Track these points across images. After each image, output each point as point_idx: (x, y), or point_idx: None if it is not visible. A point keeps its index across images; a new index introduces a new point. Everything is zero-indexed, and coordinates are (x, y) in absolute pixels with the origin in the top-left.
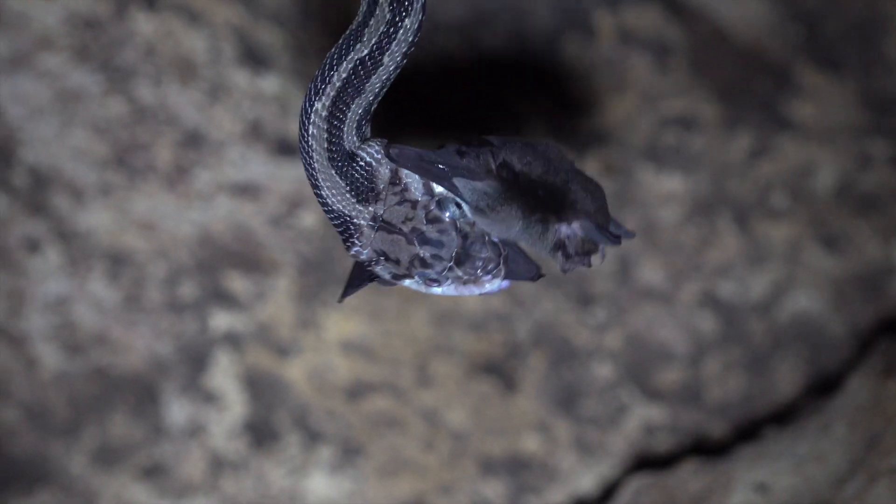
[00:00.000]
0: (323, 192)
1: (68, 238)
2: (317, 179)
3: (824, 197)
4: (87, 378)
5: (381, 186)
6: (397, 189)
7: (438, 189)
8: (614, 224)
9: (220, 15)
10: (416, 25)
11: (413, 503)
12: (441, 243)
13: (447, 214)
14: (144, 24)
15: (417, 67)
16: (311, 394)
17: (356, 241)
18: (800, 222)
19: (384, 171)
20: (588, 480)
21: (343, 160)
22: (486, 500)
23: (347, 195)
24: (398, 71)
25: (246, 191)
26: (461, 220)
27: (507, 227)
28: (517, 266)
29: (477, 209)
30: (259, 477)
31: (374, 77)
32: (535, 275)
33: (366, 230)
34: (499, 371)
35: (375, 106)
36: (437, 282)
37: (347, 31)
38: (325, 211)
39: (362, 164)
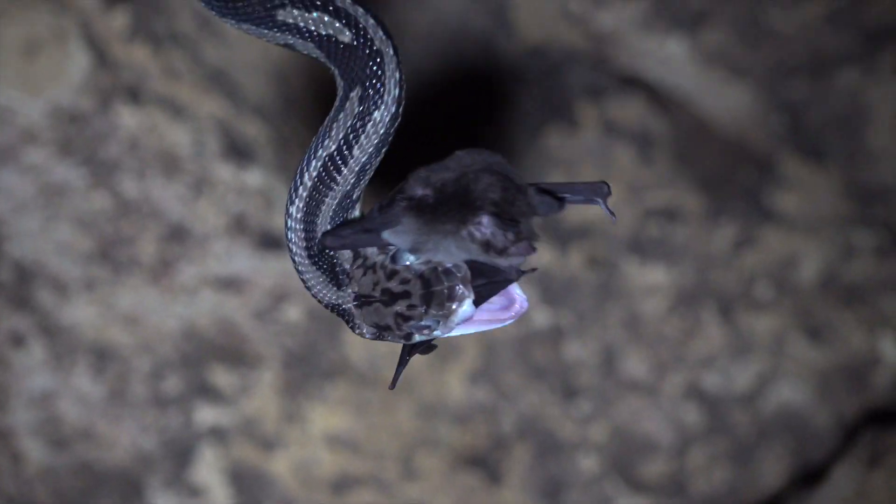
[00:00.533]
0: (314, 291)
1: (53, 333)
2: (305, 278)
3: (809, 288)
4: (72, 472)
5: (348, 266)
6: (359, 262)
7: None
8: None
9: (203, 108)
10: (388, 118)
11: None
12: (407, 293)
13: (401, 264)
14: (128, 118)
15: (398, 163)
16: (297, 487)
17: (356, 325)
18: (784, 313)
19: (346, 252)
20: None
21: (319, 255)
22: None
23: (330, 286)
24: (376, 160)
25: (230, 284)
26: (416, 263)
27: (445, 251)
28: (494, 279)
29: (413, 249)
30: None
31: (345, 170)
32: (518, 273)
33: (354, 311)
34: (484, 463)
35: (359, 194)
36: (430, 327)
37: (319, 129)
38: (324, 307)
39: (330, 252)
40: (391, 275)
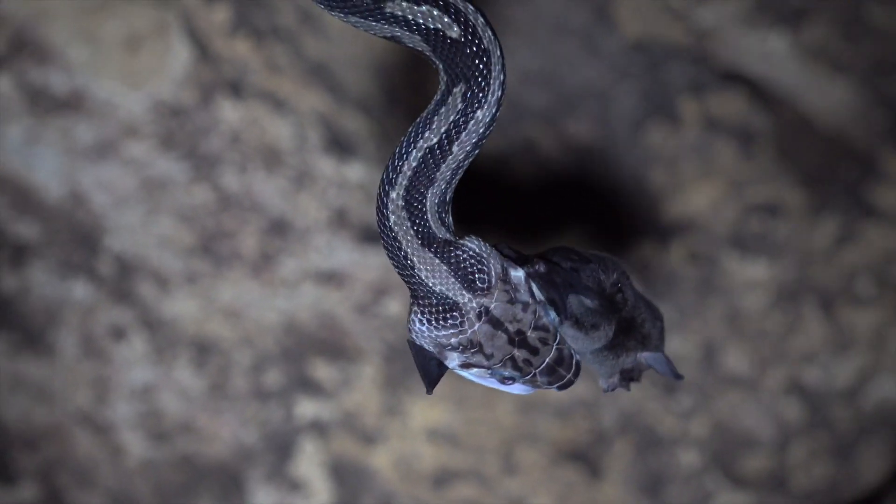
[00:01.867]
0: (421, 274)
1: (154, 326)
2: (411, 262)
3: None
4: (172, 466)
5: (493, 282)
6: (507, 287)
7: (538, 292)
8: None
9: (305, 102)
10: (489, 119)
11: None
12: (537, 351)
13: (552, 323)
14: (230, 112)
15: (502, 154)
16: (397, 481)
17: (457, 324)
18: (885, 309)
19: (495, 266)
20: None
21: (440, 246)
22: None
23: (452, 279)
24: (469, 160)
25: (332, 278)
26: (560, 328)
27: (594, 343)
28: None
29: (578, 324)
30: None
31: (443, 166)
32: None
33: (472, 318)
34: (584, 458)
35: (451, 195)
36: (512, 380)
37: (418, 119)
38: (417, 292)
39: (469, 254)
40: (539, 327)
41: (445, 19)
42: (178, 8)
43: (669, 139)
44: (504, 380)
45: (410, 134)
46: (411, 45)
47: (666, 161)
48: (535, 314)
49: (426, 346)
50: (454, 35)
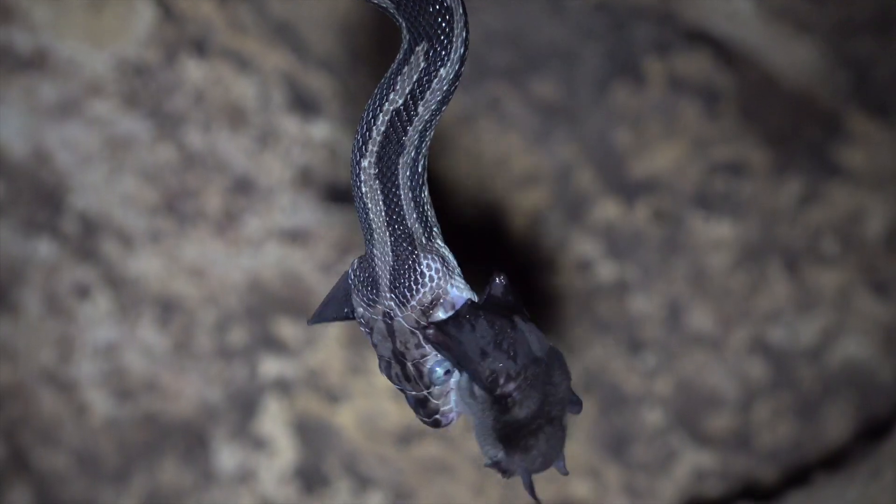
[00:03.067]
0: (374, 251)
1: (118, 284)
2: (371, 235)
3: (874, 243)
4: (136, 424)
5: (413, 304)
6: (423, 318)
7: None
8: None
9: (269, 61)
10: (452, 76)
11: None
12: (409, 380)
13: (433, 375)
14: (194, 71)
15: (466, 114)
16: (362, 440)
17: (367, 301)
18: (850, 269)
19: (426, 295)
20: None
21: (400, 238)
22: None
23: (389, 273)
24: (435, 121)
25: (296, 237)
26: (438, 383)
27: (475, 417)
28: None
29: (461, 388)
30: None
31: (410, 129)
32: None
33: (378, 308)
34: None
35: (423, 165)
36: (388, 378)
37: (382, 80)
38: (366, 255)
39: (415, 265)
40: (417, 366)
41: None
42: None
43: (634, 99)
44: (382, 371)
45: (375, 97)
46: (376, 2)
47: (630, 120)
48: (422, 356)
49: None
50: None
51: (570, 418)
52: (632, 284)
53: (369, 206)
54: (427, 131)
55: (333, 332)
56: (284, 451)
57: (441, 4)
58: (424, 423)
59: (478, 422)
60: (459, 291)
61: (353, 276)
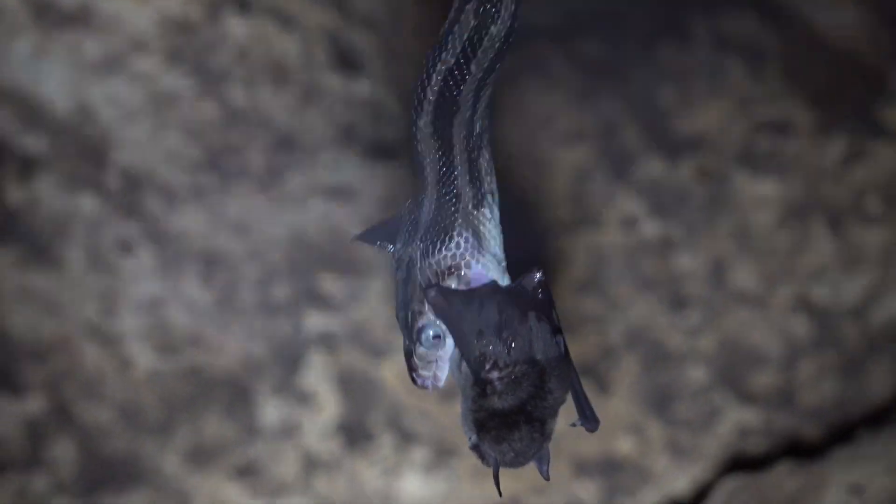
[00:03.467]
0: (425, 200)
1: (161, 240)
2: (425, 189)
3: None
4: (180, 378)
5: (432, 261)
6: (435, 278)
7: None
8: (544, 458)
9: (312, 19)
10: (504, 33)
11: None
12: (406, 326)
13: (425, 336)
14: (237, 28)
15: (510, 73)
16: (405, 395)
17: (399, 239)
18: (894, 227)
19: (446, 259)
20: (681, 482)
21: (447, 197)
22: (579, 500)
23: (425, 226)
24: (489, 80)
25: (339, 193)
26: (424, 345)
27: (460, 390)
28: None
29: (454, 362)
30: (352, 477)
31: (464, 88)
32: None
33: (402, 249)
34: (592, 373)
35: (481, 122)
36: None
37: (435, 40)
38: (412, 202)
39: (448, 225)
40: (414, 321)
41: None
42: None
43: (680, 57)
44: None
45: (429, 57)
46: None
47: (676, 79)
48: (419, 313)
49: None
50: None
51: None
52: (676, 242)
53: (426, 162)
54: (483, 91)
55: (377, 286)
56: (328, 406)
57: None
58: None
59: (462, 399)
60: (485, 270)
61: (405, 209)
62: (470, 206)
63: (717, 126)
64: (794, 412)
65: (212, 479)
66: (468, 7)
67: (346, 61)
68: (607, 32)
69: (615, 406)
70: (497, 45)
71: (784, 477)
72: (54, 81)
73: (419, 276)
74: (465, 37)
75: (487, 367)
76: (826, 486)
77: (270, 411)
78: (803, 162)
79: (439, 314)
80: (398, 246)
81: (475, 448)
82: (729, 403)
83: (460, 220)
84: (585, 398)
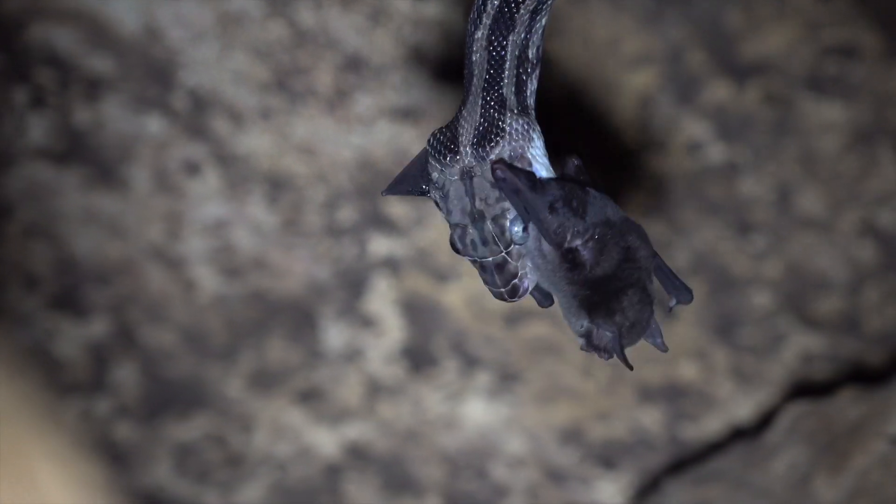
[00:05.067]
0: (463, 111)
1: (227, 161)
2: (466, 98)
3: None
4: (244, 302)
5: (493, 156)
6: (500, 175)
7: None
8: (656, 331)
9: None
10: None
11: (570, 429)
12: (486, 243)
13: (513, 231)
14: None
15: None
16: (470, 320)
17: (444, 162)
18: None
19: (505, 147)
20: (745, 408)
21: (493, 103)
22: (642, 427)
23: (472, 132)
24: (547, 4)
25: (408, 115)
26: (519, 243)
27: (550, 285)
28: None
29: (538, 253)
30: (416, 402)
31: (522, 8)
32: (545, 305)
33: (456, 168)
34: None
35: (536, 49)
36: (458, 252)
37: None
38: (451, 121)
39: (501, 124)
40: (496, 222)
41: None
42: None
43: None
44: (453, 244)
45: None
46: None
47: (742, 2)
48: (502, 211)
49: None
50: None
51: (680, 307)
52: (741, 166)
53: (475, 72)
54: (539, 13)
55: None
56: (392, 331)
57: None
58: (497, 294)
59: (558, 293)
60: (536, 161)
61: (432, 142)
62: (516, 110)
63: (783, 50)
64: (859, 338)
65: (275, 403)
66: None
67: None
68: None
69: (680, 332)
70: None
71: (848, 403)
72: (122, 1)
73: (484, 179)
74: None
75: (569, 236)
76: (890, 412)
77: (334, 335)
78: (870, 86)
79: (510, 191)
80: (435, 176)
81: (587, 341)
82: (793, 329)
83: (508, 115)
84: (669, 270)
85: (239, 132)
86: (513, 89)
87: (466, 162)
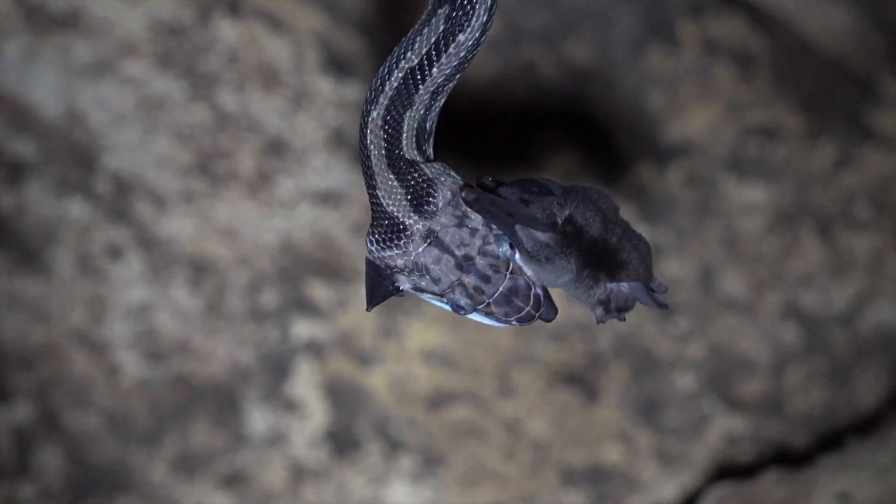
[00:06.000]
0: (379, 194)
1: (150, 245)
2: (374, 181)
3: None
4: (168, 385)
5: (441, 204)
6: (458, 212)
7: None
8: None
9: (303, 22)
10: (471, 43)
11: None
12: (488, 279)
13: (502, 251)
14: (228, 31)
15: (500, 76)
16: (393, 403)
17: (401, 245)
18: (883, 233)
19: (445, 190)
20: (669, 490)
21: (403, 168)
22: None
23: (404, 201)
24: (450, 85)
25: (329, 199)
26: (513, 260)
27: (558, 276)
28: (540, 318)
29: (532, 258)
30: (340, 485)
31: (422, 88)
32: (551, 317)
33: (416, 240)
34: (580, 381)
35: (432, 123)
36: (464, 310)
37: (402, 39)
38: (375, 212)
39: (424, 178)
40: (487, 253)
41: None
42: None
43: (668, 61)
44: (457, 307)
45: (394, 54)
46: None
47: (665, 83)
48: (483, 240)
49: (380, 266)
50: None
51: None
52: (665, 248)
53: (373, 153)
54: (439, 94)
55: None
56: (316, 414)
57: None
58: (526, 317)
59: (566, 282)
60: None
61: (374, 242)
62: (424, 162)
63: (705, 131)
64: (783, 419)
65: (199, 487)
66: (440, 11)
67: (337, 64)
68: (596, 35)
69: (604, 414)
70: (462, 54)
71: (772, 484)
72: (44, 85)
73: (450, 225)
74: (432, 40)
75: (558, 210)
76: (814, 494)
77: (258, 419)
78: (793, 167)
79: (486, 206)
80: (399, 264)
81: (605, 309)
82: (717, 410)
83: (423, 167)
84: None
85: (162, 216)
86: (414, 151)
87: (420, 227)
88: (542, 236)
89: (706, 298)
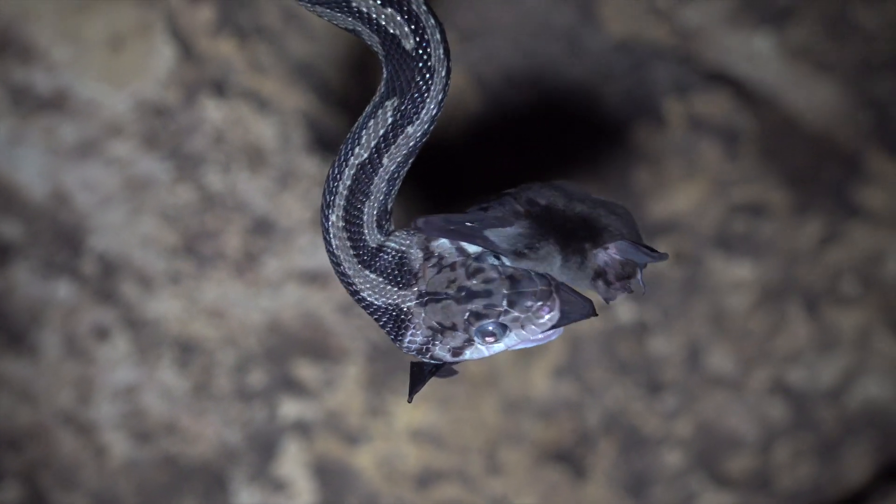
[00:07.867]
0: (364, 295)
1: (137, 326)
2: (354, 285)
3: (895, 283)
4: (156, 466)
5: (417, 266)
6: (433, 262)
7: (472, 248)
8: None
9: (289, 102)
10: (420, 134)
11: None
12: (489, 292)
13: (487, 263)
14: (214, 112)
15: (485, 154)
16: (381, 482)
17: (409, 326)
18: (870, 309)
19: (415, 252)
20: None
21: (372, 258)
22: None
23: (388, 287)
24: (405, 170)
25: (315, 278)
26: (502, 265)
27: (548, 264)
28: (570, 305)
29: (516, 254)
30: None
31: (377, 179)
32: (590, 310)
33: (415, 310)
34: (568, 458)
35: (391, 204)
36: (495, 335)
37: (347, 134)
38: (370, 312)
39: (392, 253)
40: (474, 272)
41: (405, 28)
42: (162, 7)
43: (654, 139)
44: (486, 335)
45: (342, 151)
46: (370, 44)
47: (650, 161)
48: (464, 266)
49: (415, 356)
50: (408, 47)
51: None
52: (651, 326)
53: (343, 260)
54: (394, 180)
55: (353, 373)
56: (304, 494)
57: (426, 63)
58: (547, 296)
59: (557, 265)
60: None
61: (398, 344)
62: (387, 239)
63: (692, 208)
64: (771, 496)
65: None
66: (387, 104)
67: (323, 144)
68: (581, 114)
69: (592, 492)
70: (412, 144)
71: None
72: (30, 166)
73: (435, 280)
74: (380, 133)
75: (519, 205)
76: None
77: (246, 499)
78: (779, 244)
79: (439, 227)
80: (418, 342)
81: (605, 284)
82: (705, 487)
83: (392, 244)
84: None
85: (148, 296)
86: (377, 235)
87: (412, 297)
88: (512, 229)
89: (693, 375)
